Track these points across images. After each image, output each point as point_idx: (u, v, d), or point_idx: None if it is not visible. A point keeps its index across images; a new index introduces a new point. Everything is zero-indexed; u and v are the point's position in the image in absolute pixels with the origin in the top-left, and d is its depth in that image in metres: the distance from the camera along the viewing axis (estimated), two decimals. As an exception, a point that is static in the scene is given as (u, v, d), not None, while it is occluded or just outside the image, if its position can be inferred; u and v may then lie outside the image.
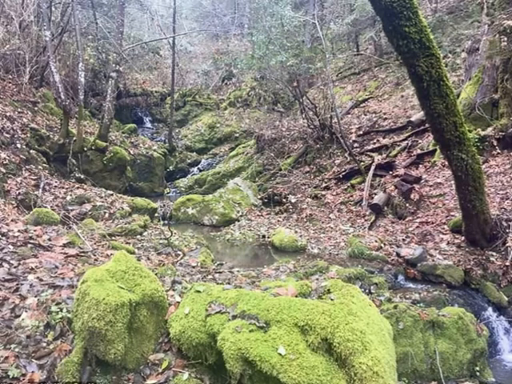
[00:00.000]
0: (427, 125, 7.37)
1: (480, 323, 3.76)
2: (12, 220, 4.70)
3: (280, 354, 2.23)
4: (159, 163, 11.89)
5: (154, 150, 12.10)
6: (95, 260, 3.91)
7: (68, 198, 6.54)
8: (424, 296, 4.22)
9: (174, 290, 3.17)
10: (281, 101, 16.00)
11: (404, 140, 9.38)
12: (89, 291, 2.53)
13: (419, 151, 8.61)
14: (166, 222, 7.63)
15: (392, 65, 13.28)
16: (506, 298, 4.51)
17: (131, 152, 11.21)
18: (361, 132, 10.70)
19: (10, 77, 9.52)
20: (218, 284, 3.53)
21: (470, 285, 4.65)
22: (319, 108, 10.56)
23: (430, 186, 7.31)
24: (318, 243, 6.31)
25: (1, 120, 7.35)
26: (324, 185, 9.21)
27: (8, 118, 7.65)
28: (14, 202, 5.83)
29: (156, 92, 16.88)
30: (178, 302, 2.94)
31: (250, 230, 7.53)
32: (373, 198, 7.58)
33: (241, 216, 8.50)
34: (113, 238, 5.20)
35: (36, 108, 9.43)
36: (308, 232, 7.03)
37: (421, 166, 8.26)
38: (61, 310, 2.69)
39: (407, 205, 6.98)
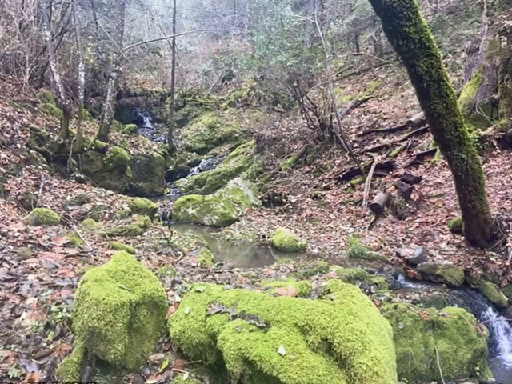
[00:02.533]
0: (427, 125, 7.38)
1: (480, 323, 3.76)
2: (12, 220, 4.70)
3: (280, 354, 2.23)
4: (159, 163, 11.88)
5: (154, 150, 12.10)
6: (95, 260, 3.90)
7: (68, 197, 6.53)
8: (424, 296, 4.22)
9: (174, 290, 3.17)
10: (281, 101, 16.00)
11: (404, 140, 9.38)
12: (89, 291, 2.53)
13: (419, 151, 8.61)
14: (165, 221, 7.63)
15: (392, 65, 13.28)
16: (506, 298, 4.50)
17: (131, 152, 11.21)
18: (361, 132, 10.70)
19: (10, 77, 9.51)
20: (217, 284, 3.53)
21: (470, 285, 4.65)
22: (319, 108, 10.56)
23: (430, 186, 7.31)
24: (318, 243, 6.31)
25: (1, 120, 7.35)
26: (324, 185, 9.21)
27: (8, 118, 7.64)
28: (14, 202, 5.83)
29: (156, 92, 16.88)
30: (178, 302, 2.94)
31: (250, 229, 7.53)
32: (373, 198, 7.58)
33: (241, 216, 8.50)
34: (113, 238, 5.19)
35: (36, 108, 9.43)
36: (308, 232, 7.02)
37: (421, 165, 8.26)
38: (61, 310, 2.69)
39: (407, 205, 6.98)
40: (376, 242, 5.85)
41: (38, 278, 3.08)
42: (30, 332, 2.53)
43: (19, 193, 6.04)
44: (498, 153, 7.15)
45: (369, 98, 12.62)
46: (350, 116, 12.06)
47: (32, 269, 3.25)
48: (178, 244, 5.46)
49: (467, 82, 8.24)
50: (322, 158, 10.30)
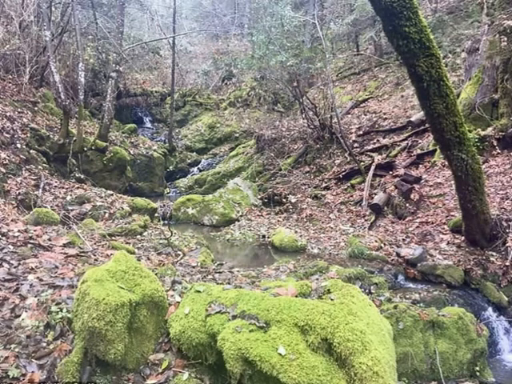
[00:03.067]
0: (427, 125, 7.37)
1: (480, 323, 3.76)
2: (12, 220, 4.70)
3: (280, 354, 2.23)
4: (159, 163, 11.89)
5: (154, 150, 12.10)
6: (95, 260, 3.90)
7: (68, 197, 6.53)
8: (424, 296, 4.22)
9: (174, 290, 3.17)
10: (281, 101, 16.00)
11: (404, 140, 9.38)
12: (89, 291, 2.53)
13: (419, 151, 8.61)
14: (166, 221, 7.63)
15: (392, 65, 13.28)
16: (506, 298, 4.50)
17: (131, 152, 11.21)
18: (361, 132, 10.70)
19: (10, 77, 9.51)
20: (217, 284, 3.53)
21: (470, 285, 4.65)
22: (319, 108, 10.56)
23: (430, 186, 7.31)
24: (318, 243, 6.31)
25: (1, 120, 7.35)
26: (324, 185, 9.21)
27: (8, 118, 7.64)
28: (14, 202, 5.83)
29: (156, 92, 16.88)
30: (178, 302, 2.94)
31: (250, 229, 7.53)
32: (373, 198, 7.58)
33: (241, 216, 8.50)
34: (113, 238, 5.19)
35: (36, 108, 9.43)
36: (308, 232, 7.02)
37: (421, 165, 8.26)
38: (61, 310, 2.69)
39: (407, 205, 6.98)
40: (376, 242, 5.85)
41: (38, 277, 3.08)
42: (30, 332, 2.53)
43: (19, 193, 6.03)
44: (498, 153, 7.15)
45: (369, 98, 12.62)
46: (350, 116, 12.06)
47: (32, 269, 3.25)
48: (178, 244, 5.46)
49: (467, 82, 8.24)
50: (322, 157, 10.30)
